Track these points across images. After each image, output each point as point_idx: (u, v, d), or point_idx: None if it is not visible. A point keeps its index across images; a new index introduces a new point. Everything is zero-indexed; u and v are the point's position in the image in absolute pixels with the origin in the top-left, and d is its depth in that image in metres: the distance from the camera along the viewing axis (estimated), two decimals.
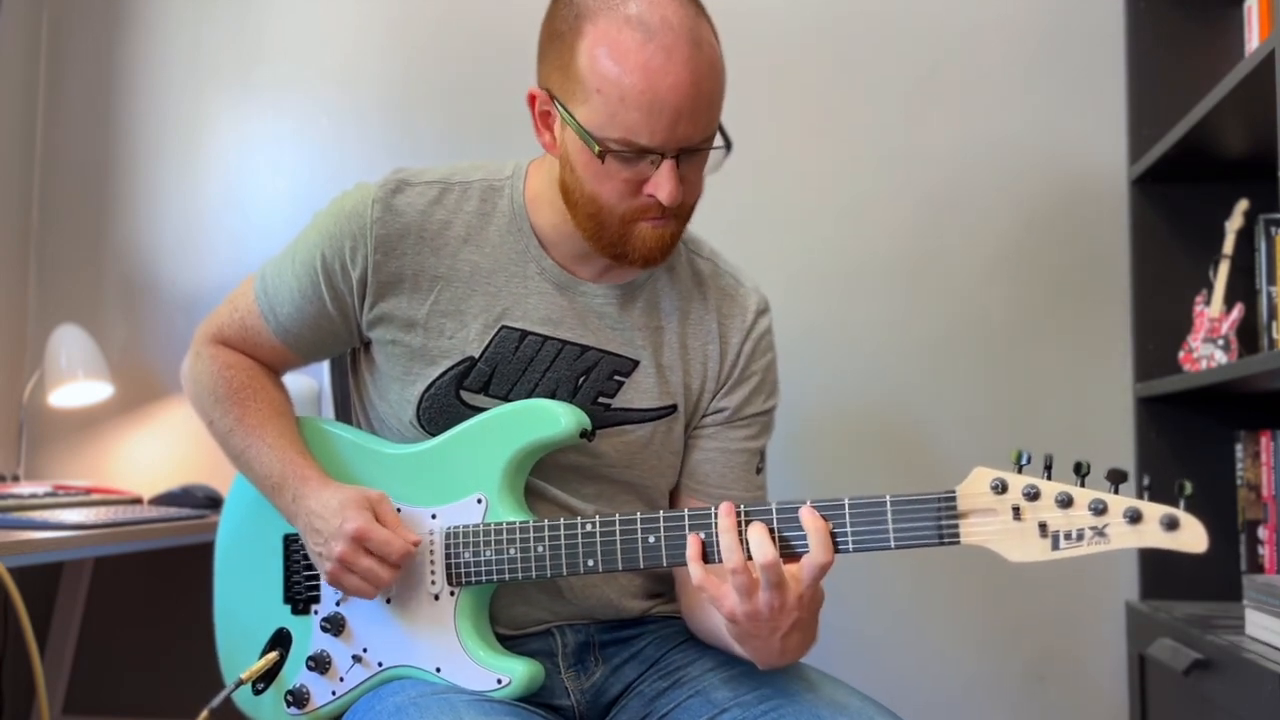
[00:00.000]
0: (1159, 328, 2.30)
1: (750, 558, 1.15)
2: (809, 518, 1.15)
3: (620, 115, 1.22)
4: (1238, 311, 2.11)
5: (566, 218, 1.34)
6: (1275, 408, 2.16)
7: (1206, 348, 2.14)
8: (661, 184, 1.25)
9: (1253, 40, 2.03)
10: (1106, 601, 2.33)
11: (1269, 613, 1.66)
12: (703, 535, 1.21)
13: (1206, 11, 2.29)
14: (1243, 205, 2.17)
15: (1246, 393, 2.12)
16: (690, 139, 1.25)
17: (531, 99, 1.32)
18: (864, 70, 2.47)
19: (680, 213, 1.31)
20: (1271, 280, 2.00)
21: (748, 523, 1.18)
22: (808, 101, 2.48)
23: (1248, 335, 2.11)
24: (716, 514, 1.20)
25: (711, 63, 1.26)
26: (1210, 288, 2.18)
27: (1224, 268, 2.17)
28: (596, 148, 1.24)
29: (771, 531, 1.17)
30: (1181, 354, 2.21)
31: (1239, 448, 2.11)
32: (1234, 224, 2.17)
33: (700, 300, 1.44)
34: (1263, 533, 2.04)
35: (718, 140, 1.31)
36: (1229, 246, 2.17)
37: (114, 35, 2.68)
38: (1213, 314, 2.15)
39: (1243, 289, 2.13)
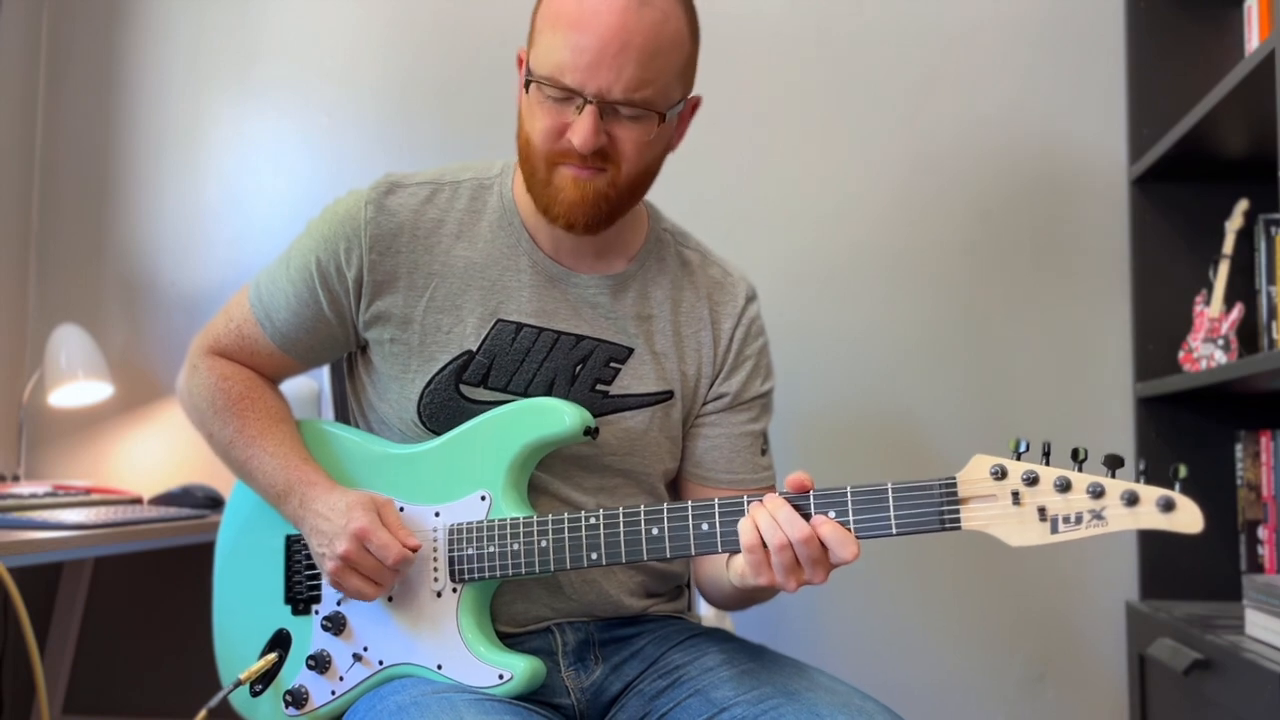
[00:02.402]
0: (1159, 328, 2.30)
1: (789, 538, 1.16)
2: (824, 527, 1.16)
3: (553, 52, 1.28)
4: (1238, 311, 2.11)
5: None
6: (1275, 408, 2.16)
7: (1206, 348, 2.14)
8: (577, 128, 1.28)
9: (1253, 40, 2.03)
10: (1106, 601, 2.33)
11: (1269, 613, 1.66)
12: (705, 525, 1.22)
13: (1206, 11, 2.30)
14: (1243, 205, 2.17)
15: (1246, 393, 2.12)
16: (610, 90, 1.27)
17: (519, 62, 1.38)
18: (864, 70, 2.47)
19: (610, 170, 1.32)
20: (1271, 280, 2.00)
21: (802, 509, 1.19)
22: (808, 102, 2.48)
23: (1248, 335, 2.11)
24: (748, 506, 1.20)
25: (654, 24, 1.28)
26: (1210, 288, 2.18)
27: (1224, 268, 2.17)
28: (526, 79, 1.29)
29: (800, 510, 1.18)
30: (1181, 354, 2.21)
31: (1239, 448, 2.11)
32: (1234, 224, 2.17)
33: (691, 289, 1.46)
34: (1263, 533, 2.04)
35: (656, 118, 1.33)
36: (1229, 246, 2.17)
37: (114, 35, 2.68)
38: (1213, 314, 2.15)
39: (1243, 289, 2.13)
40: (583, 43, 1.26)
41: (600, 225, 1.35)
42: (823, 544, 1.16)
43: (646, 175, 1.36)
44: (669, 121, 1.33)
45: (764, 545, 1.17)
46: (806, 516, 1.17)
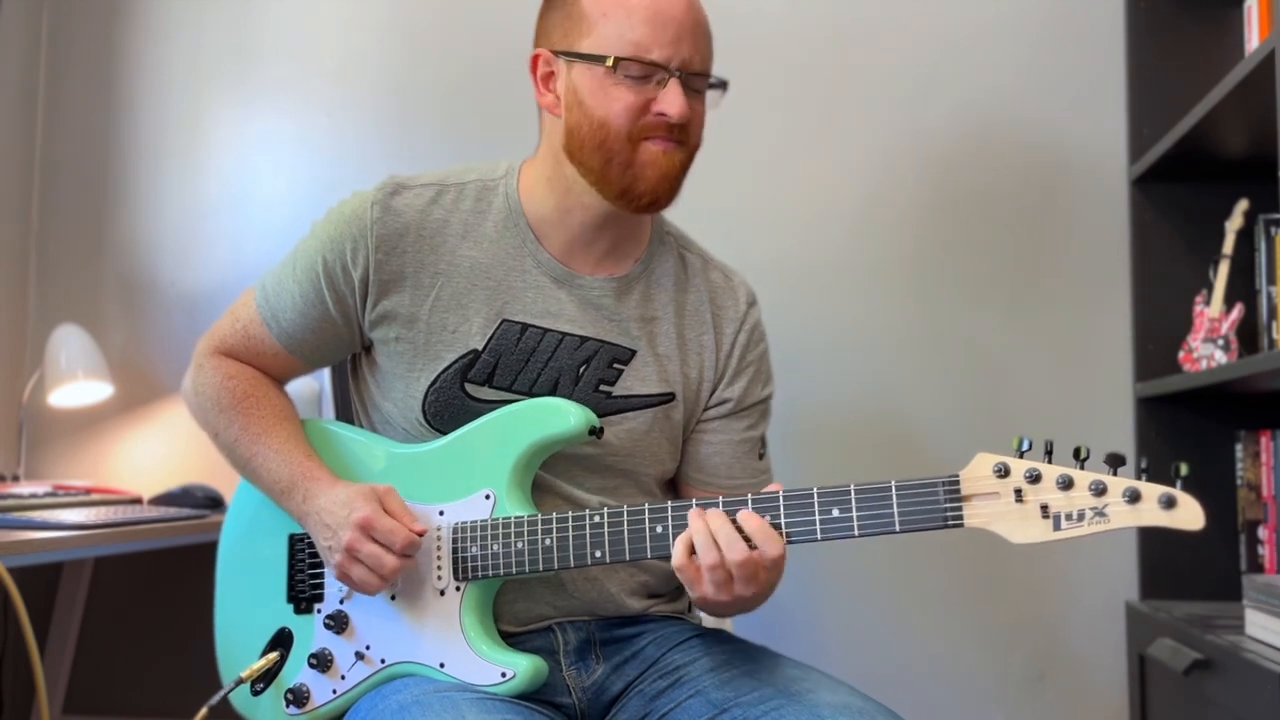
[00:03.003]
0: (1159, 328, 2.30)
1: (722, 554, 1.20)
2: (747, 520, 1.20)
3: (628, 32, 1.31)
4: (1238, 311, 2.11)
5: (567, 197, 1.39)
6: (1275, 408, 2.16)
7: (1206, 348, 2.14)
8: (670, 100, 1.32)
9: (1253, 40, 2.03)
10: (1106, 601, 2.33)
11: (1269, 613, 1.66)
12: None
13: (1206, 11, 2.30)
14: (1243, 205, 2.17)
15: (1246, 393, 2.12)
16: (692, 61, 1.34)
17: (534, 62, 1.40)
18: (864, 71, 2.47)
19: (685, 141, 1.36)
20: (1271, 280, 2.00)
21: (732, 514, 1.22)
22: (807, 103, 2.48)
23: (1248, 335, 2.11)
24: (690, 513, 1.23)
25: (701, 5, 1.38)
26: (1210, 288, 2.18)
27: (1224, 268, 2.17)
28: (610, 60, 1.31)
29: (733, 514, 1.21)
30: (1181, 354, 2.21)
31: (1239, 448, 2.11)
32: (1234, 224, 2.17)
33: (694, 292, 1.48)
34: (1263, 533, 2.04)
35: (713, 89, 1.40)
36: (1229, 246, 2.17)
37: (114, 35, 2.68)
38: (1213, 314, 2.15)
39: (1243, 289, 2.13)
40: (661, 20, 1.32)
41: (674, 198, 1.39)
42: (750, 544, 1.19)
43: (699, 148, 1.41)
44: (724, 94, 1.40)
45: (695, 563, 1.21)
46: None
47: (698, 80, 1.35)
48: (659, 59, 1.31)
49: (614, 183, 1.35)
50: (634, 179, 1.34)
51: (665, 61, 1.32)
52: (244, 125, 2.63)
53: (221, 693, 1.43)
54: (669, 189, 1.36)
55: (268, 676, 1.42)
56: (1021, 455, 1.13)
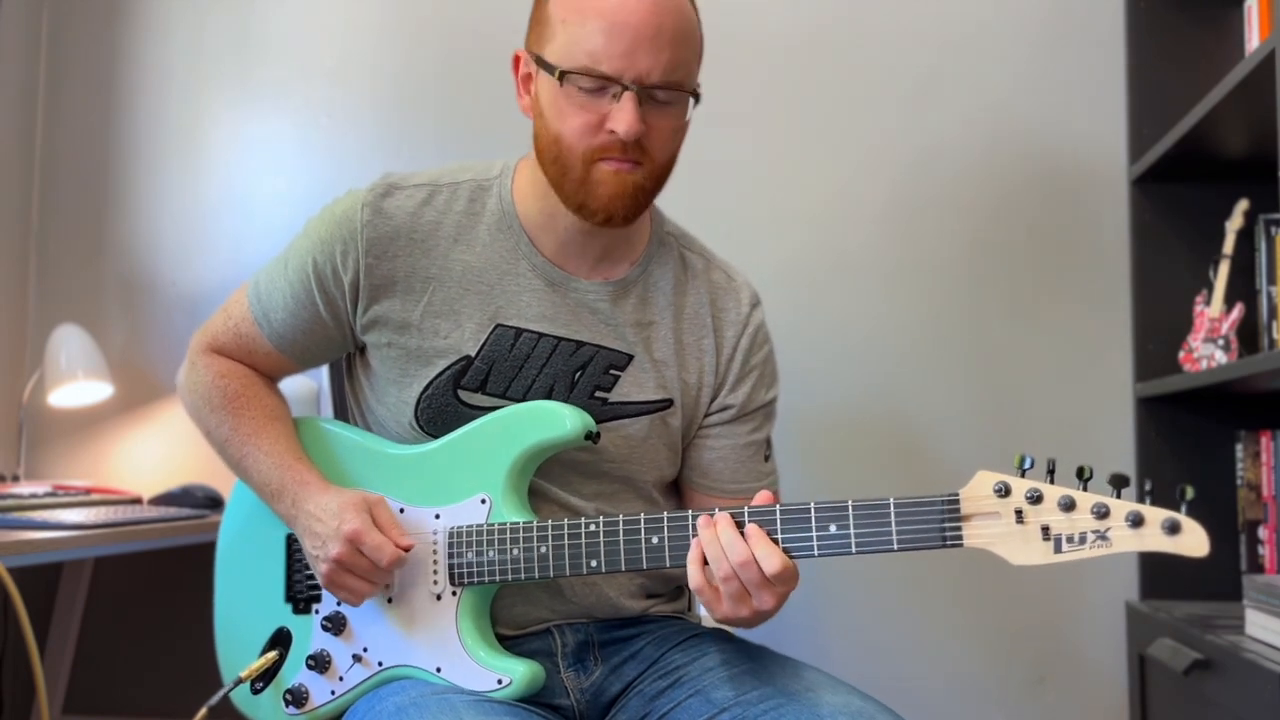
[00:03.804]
0: (1159, 328, 2.30)
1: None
2: (753, 538, 1.18)
3: (582, 41, 1.26)
4: (1238, 311, 2.11)
5: (550, 200, 1.36)
6: (1275, 408, 2.16)
7: (1206, 348, 2.14)
8: (620, 116, 1.26)
9: (1253, 40, 2.03)
10: (1106, 602, 2.33)
11: (1269, 613, 1.66)
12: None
13: (1206, 11, 2.30)
14: (1243, 205, 2.17)
15: (1246, 393, 2.12)
16: (649, 74, 1.26)
17: (515, 62, 1.37)
18: (864, 70, 2.47)
19: (645, 163, 1.31)
20: (1271, 280, 2.00)
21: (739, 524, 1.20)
22: (808, 102, 2.48)
23: (1248, 335, 2.11)
24: (695, 525, 1.22)
25: (678, 7, 1.29)
26: (1210, 288, 2.18)
27: (1224, 268, 2.17)
28: (558, 72, 1.27)
29: (739, 524, 1.20)
30: (1181, 354, 2.21)
31: (1239, 448, 2.11)
32: (1234, 224, 2.17)
33: (694, 295, 1.45)
34: (1263, 533, 2.04)
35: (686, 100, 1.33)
36: (1229, 246, 2.17)
37: (114, 35, 2.68)
38: (1213, 314, 2.15)
39: (1243, 289, 2.13)
40: (617, 29, 1.25)
41: (636, 216, 1.34)
42: (757, 561, 1.17)
43: (673, 163, 1.36)
44: (695, 105, 1.34)
45: (710, 582, 1.19)
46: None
47: (661, 92, 1.28)
48: (609, 72, 1.25)
49: (570, 197, 1.32)
50: (587, 196, 1.30)
51: (617, 75, 1.25)
52: (244, 125, 2.63)
53: (221, 692, 1.43)
54: (624, 207, 1.31)
55: (267, 675, 1.42)
56: (1023, 473, 1.11)
